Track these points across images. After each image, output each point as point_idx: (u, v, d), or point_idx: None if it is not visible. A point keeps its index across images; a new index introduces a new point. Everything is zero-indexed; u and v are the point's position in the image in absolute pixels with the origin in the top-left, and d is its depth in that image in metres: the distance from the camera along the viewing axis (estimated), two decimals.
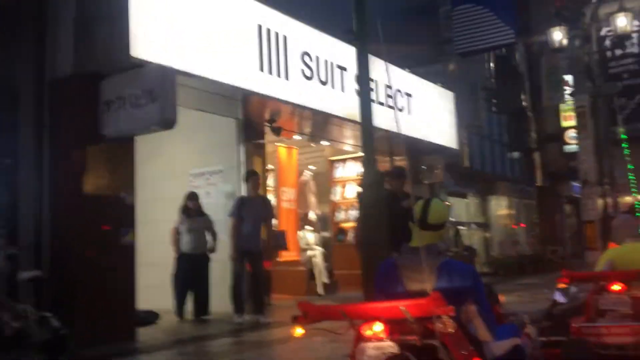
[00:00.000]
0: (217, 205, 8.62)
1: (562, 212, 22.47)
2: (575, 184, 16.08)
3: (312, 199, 11.92)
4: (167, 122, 5.71)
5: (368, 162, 5.35)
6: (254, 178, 7.95)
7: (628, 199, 18.85)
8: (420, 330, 2.88)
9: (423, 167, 12.96)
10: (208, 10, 7.05)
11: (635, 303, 4.46)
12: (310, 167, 13.20)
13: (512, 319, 3.92)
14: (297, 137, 10.70)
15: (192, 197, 8.29)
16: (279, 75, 8.02)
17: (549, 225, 20.72)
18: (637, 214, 5.78)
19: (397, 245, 3.41)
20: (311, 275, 10.68)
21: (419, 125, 11.52)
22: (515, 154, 19.46)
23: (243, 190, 8.20)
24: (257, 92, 7.74)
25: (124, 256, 6.38)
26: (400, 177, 6.54)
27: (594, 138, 13.17)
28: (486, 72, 16.67)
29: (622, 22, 13.45)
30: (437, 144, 12.28)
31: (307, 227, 11.21)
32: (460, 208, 17.03)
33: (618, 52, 31.62)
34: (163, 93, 5.63)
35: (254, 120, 8.88)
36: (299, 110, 8.92)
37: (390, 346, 2.84)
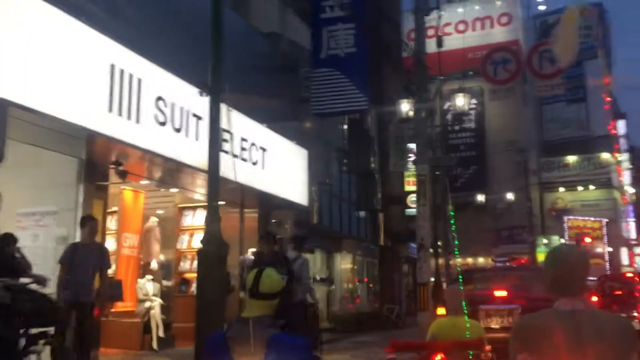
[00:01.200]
0: (47, 250, 7.89)
1: (401, 272, 23.63)
2: (414, 245, 17.02)
3: (156, 247, 11.36)
4: None
5: (211, 216, 5.16)
6: (91, 224, 7.41)
7: (459, 260, 20.34)
8: None
9: (273, 221, 12.99)
10: (54, 42, 6.59)
11: None
12: (159, 211, 12.67)
13: None
14: (145, 181, 10.24)
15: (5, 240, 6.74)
16: (129, 118, 7.66)
17: (388, 283, 21.66)
18: (461, 287, 6.17)
19: None
20: (147, 328, 10.06)
21: (271, 179, 11.58)
22: (362, 214, 20.23)
23: (78, 236, 7.59)
24: (103, 133, 7.30)
25: None
26: (264, 238, 6.45)
27: (430, 204, 14.10)
28: (340, 134, 17.36)
29: (460, 101, 14.78)
30: (289, 200, 12.40)
31: (147, 276, 10.61)
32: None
33: (457, 126, 34.77)
34: None
35: (98, 161, 8.36)
36: (149, 155, 8.56)
37: None
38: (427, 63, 13.75)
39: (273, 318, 3.19)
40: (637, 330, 2.61)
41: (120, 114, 7.49)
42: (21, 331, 5.58)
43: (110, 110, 7.34)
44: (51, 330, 4.72)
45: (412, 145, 17.90)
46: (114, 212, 10.94)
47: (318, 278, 17.24)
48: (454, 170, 30.93)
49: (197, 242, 11.95)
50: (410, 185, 21.19)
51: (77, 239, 7.54)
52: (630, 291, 14.27)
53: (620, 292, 14.32)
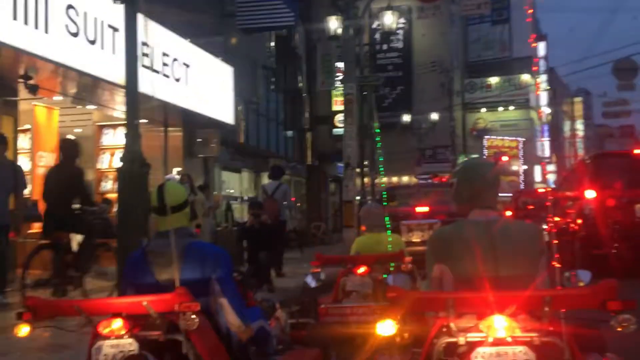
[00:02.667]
0: None
1: (327, 191, 24.01)
2: (340, 164, 17.23)
3: None
4: None
5: (131, 134, 4.93)
6: (0, 142, 6.96)
7: (385, 179, 20.83)
8: (164, 325, 2.72)
9: (198, 140, 12.72)
10: None
11: (375, 285, 4.85)
12: (77, 130, 12.10)
13: (263, 304, 3.96)
14: (58, 97, 9.67)
15: None
16: (36, 27, 7.07)
17: (315, 202, 22.01)
18: (385, 203, 6.30)
19: None
20: None
21: (195, 97, 11.22)
22: (289, 133, 20.16)
23: None
24: (7, 43, 6.73)
25: None
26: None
27: (357, 124, 14.19)
28: (267, 51, 16.90)
29: (388, 19, 14.61)
30: (214, 118, 12.12)
31: None
32: (234, 183, 17.18)
33: (385, 45, 34.66)
34: None
35: (5, 75, 7.77)
36: (61, 69, 8.02)
37: (129, 344, 2.64)
38: None
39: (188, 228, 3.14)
40: (545, 239, 2.74)
41: (26, 22, 6.89)
42: None
43: (15, 17, 6.74)
44: None
45: (340, 64, 17.75)
46: (27, 130, 10.38)
47: (246, 198, 17.24)
48: (381, 90, 31.09)
49: (118, 162, 11.57)
50: (338, 105, 21.16)
51: None
52: (541, 206, 15.16)
53: (532, 207, 15.21)
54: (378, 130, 5.74)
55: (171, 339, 2.70)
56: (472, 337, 2.25)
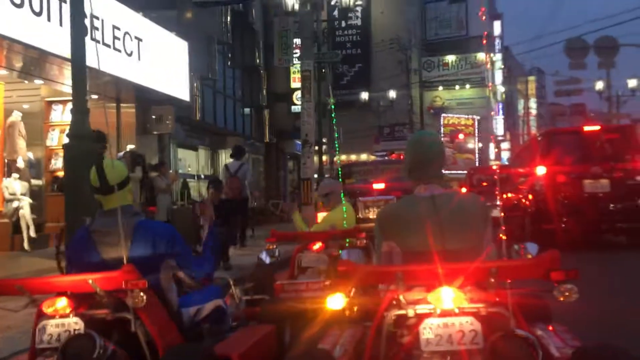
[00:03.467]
0: None
1: (286, 169, 23.94)
2: (299, 142, 17.19)
3: (22, 144, 10.54)
4: None
5: (78, 109, 4.76)
6: None
7: (343, 157, 20.84)
8: (111, 304, 2.67)
9: (153, 117, 12.43)
10: None
11: (330, 260, 4.87)
12: (25, 106, 11.67)
13: (217, 281, 3.92)
14: (3, 72, 9.27)
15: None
16: None
17: (273, 179, 21.93)
18: (340, 180, 6.29)
19: None
20: (17, 228, 9.53)
21: (149, 72, 10.93)
22: (247, 110, 19.93)
23: None
24: None
25: None
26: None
27: (315, 101, 14.12)
28: (223, 26, 16.57)
29: None
30: (168, 95, 11.85)
31: (13, 174, 9.90)
32: (191, 160, 16.94)
33: (344, 23, 34.49)
34: None
35: None
36: (5, 41, 7.68)
37: (74, 323, 2.58)
38: None
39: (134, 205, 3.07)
40: (492, 213, 2.78)
41: None
42: None
43: None
44: None
45: (298, 41, 17.59)
46: None
47: (202, 176, 17.05)
48: (339, 68, 31.00)
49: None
50: (296, 82, 20.99)
51: None
52: (494, 182, 15.49)
53: (486, 184, 15.52)
54: (333, 107, 5.72)
55: (119, 317, 2.65)
56: (421, 309, 2.28)
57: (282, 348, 3.87)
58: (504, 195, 11.31)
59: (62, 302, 2.55)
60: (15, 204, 9.59)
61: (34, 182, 10.97)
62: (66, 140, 4.88)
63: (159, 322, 2.79)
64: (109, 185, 2.87)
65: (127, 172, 3.04)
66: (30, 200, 9.88)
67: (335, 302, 2.23)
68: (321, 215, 5.82)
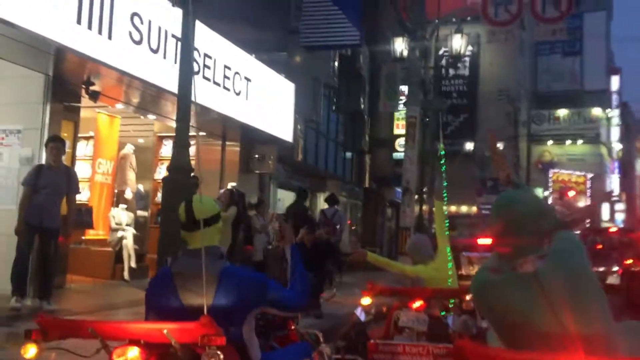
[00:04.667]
0: (10, 170, 7.40)
1: (384, 215, 23.43)
2: (399, 189, 16.72)
3: (131, 176, 10.90)
4: None
5: (180, 143, 4.67)
6: (57, 145, 6.90)
7: (434, 210, 19.99)
8: (187, 358, 2.37)
9: (256, 156, 12.53)
10: None
11: (432, 322, 4.35)
12: (140, 140, 12.15)
13: (305, 336, 3.54)
14: (121, 106, 9.66)
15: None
16: (100, 33, 7.01)
17: (370, 226, 21.47)
18: (447, 232, 5.72)
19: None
20: (119, 258, 9.72)
21: (255, 112, 11.03)
22: (348, 154, 19.80)
23: (44, 157, 7.11)
24: (70, 47, 6.67)
25: None
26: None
27: (419, 149, 13.69)
28: (330, 70, 16.67)
29: (457, 42, 14.12)
30: (272, 135, 11.90)
31: (121, 205, 10.20)
32: (289, 201, 16.88)
33: (451, 72, 34.00)
34: None
35: (67, 79, 7.77)
36: (122, 76, 7.96)
37: None
38: None
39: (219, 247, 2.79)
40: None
41: (90, 27, 6.84)
42: None
43: (79, 22, 6.69)
44: None
45: (404, 88, 17.33)
46: (90, 137, 10.48)
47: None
48: (444, 117, 30.39)
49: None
50: (399, 129, 20.68)
51: (43, 161, 7.07)
52: (611, 246, 14.16)
53: (601, 247, 14.21)
54: (443, 152, 5.33)
55: None
56: None
57: None
58: (626, 261, 10.20)
59: (133, 352, 2.28)
60: (119, 234, 9.82)
61: (140, 213, 11.25)
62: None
63: None
64: (194, 220, 2.62)
65: (217, 210, 2.78)
66: (135, 231, 10.09)
67: None
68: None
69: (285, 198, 16.52)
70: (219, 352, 2.18)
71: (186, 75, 4.93)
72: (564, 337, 1.97)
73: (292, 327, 3.46)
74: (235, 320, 2.60)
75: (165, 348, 2.32)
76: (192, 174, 8.59)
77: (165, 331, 2.24)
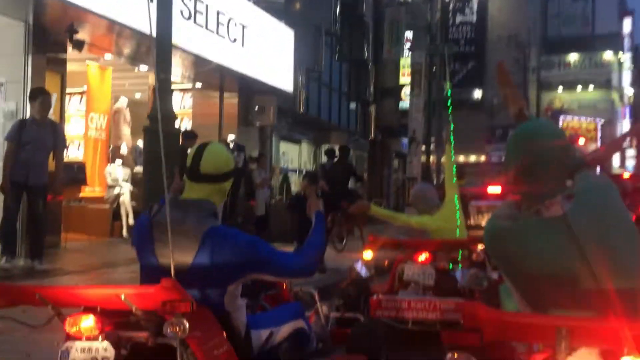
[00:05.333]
0: None
1: (390, 167, 23.11)
2: (405, 140, 16.30)
3: (126, 130, 10.57)
4: None
5: (161, 89, 4.27)
6: (42, 98, 6.49)
7: (443, 160, 19.66)
8: (152, 326, 2.04)
9: (255, 107, 12.11)
10: None
11: (438, 275, 4.04)
12: (137, 95, 11.77)
13: (299, 295, 3.22)
14: (110, 57, 9.22)
15: None
16: None
17: (377, 178, 21.14)
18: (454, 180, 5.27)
19: None
20: (116, 215, 9.48)
21: (252, 61, 10.54)
22: (352, 105, 19.36)
23: (28, 111, 6.74)
24: None
25: None
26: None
27: (425, 97, 13.20)
28: (331, 17, 16.01)
29: None
30: (272, 85, 11.45)
31: (117, 160, 9.90)
32: (293, 154, 16.61)
33: (458, 18, 33.00)
34: None
35: (49, 28, 7.32)
36: (108, 24, 7.51)
37: (104, 349, 1.97)
38: None
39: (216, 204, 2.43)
40: None
41: None
42: None
43: None
44: None
45: (409, 34, 16.67)
46: (83, 93, 10.12)
47: (304, 171, 16.63)
48: (451, 65, 29.63)
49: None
50: (405, 77, 20.06)
51: (28, 115, 6.71)
52: (624, 193, 13.82)
53: None
54: (449, 92, 4.97)
55: (161, 345, 2.02)
56: None
57: None
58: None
59: (88, 321, 1.96)
60: (116, 190, 9.58)
61: (138, 169, 10.93)
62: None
63: (215, 350, 2.13)
64: (198, 171, 2.33)
65: (230, 167, 2.42)
66: (132, 187, 9.81)
67: None
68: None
69: (288, 151, 16.19)
70: (184, 321, 1.85)
71: (163, 16, 4.49)
72: (597, 293, 1.67)
73: (285, 285, 3.15)
74: (217, 286, 2.28)
75: (126, 316, 2.00)
76: (190, 129, 8.27)
77: (122, 296, 1.91)
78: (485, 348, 1.72)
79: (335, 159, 10.05)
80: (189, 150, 2.53)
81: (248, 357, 2.41)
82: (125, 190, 9.57)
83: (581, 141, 33.86)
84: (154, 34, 4.34)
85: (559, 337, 1.45)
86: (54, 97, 7.32)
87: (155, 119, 4.13)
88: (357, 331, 3.36)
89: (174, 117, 4.30)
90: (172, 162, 4.02)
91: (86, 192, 9.70)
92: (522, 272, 1.81)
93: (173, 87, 10.91)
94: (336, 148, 10.65)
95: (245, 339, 2.48)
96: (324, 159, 13.73)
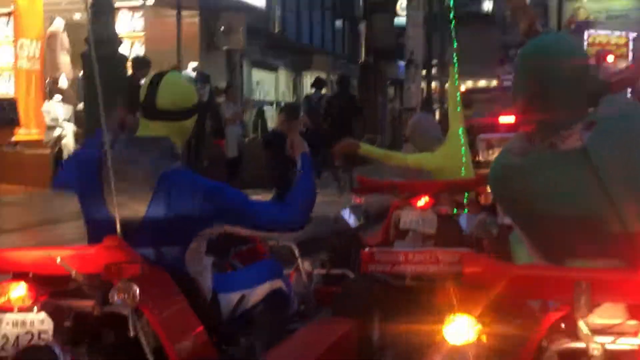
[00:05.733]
0: None
1: (385, 95, 23.12)
2: (402, 64, 16.24)
3: (65, 59, 10.43)
4: None
5: (99, 9, 4.15)
6: None
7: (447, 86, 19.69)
8: (98, 293, 2.04)
9: (221, 28, 11.95)
10: None
11: (441, 222, 4.07)
12: (77, 15, 11.48)
13: (276, 250, 3.25)
14: None
15: None
16: None
17: (369, 109, 21.15)
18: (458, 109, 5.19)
19: None
20: (58, 161, 9.45)
21: None
22: (338, 23, 19.22)
23: None
24: None
25: None
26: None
27: (425, 10, 13.02)
28: None
29: None
30: (239, 0, 11.32)
31: (56, 96, 9.86)
32: (268, 84, 16.54)
33: None
34: None
35: None
36: None
37: (40, 321, 1.98)
38: None
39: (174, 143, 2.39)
40: None
41: None
42: None
43: None
44: None
45: None
46: (9, 14, 9.99)
47: (282, 103, 16.61)
48: None
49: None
50: None
51: None
52: None
53: None
54: (452, 1, 4.82)
55: (111, 313, 2.02)
56: (616, 342, 1.50)
57: (369, 349, 3.19)
58: None
59: (19, 290, 1.95)
60: (57, 132, 9.61)
61: (81, 106, 10.87)
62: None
63: (175, 319, 2.15)
64: (154, 107, 2.31)
65: (193, 102, 2.42)
66: (75, 128, 9.79)
67: (460, 331, 1.49)
68: None
69: (263, 80, 16.10)
70: (133, 285, 1.85)
71: None
72: (622, 239, 1.70)
73: (258, 240, 3.16)
74: (175, 243, 2.27)
75: (65, 282, 1.99)
76: (141, 55, 8.16)
77: (58, 259, 1.89)
78: (493, 307, 1.74)
79: (324, 90, 10.09)
80: (141, 82, 2.49)
81: (215, 325, 2.44)
82: (67, 132, 9.59)
83: (610, 58, 33.95)
84: None
85: (577, 292, 1.47)
86: None
87: (94, 42, 4.03)
88: (345, 290, 3.41)
89: (117, 39, 4.19)
90: (115, 93, 3.96)
91: (20, 134, 9.71)
92: (533, 216, 1.82)
93: (119, 4, 10.82)
94: (328, 77, 10.67)
95: (212, 304, 2.51)
96: (308, 90, 13.71)
